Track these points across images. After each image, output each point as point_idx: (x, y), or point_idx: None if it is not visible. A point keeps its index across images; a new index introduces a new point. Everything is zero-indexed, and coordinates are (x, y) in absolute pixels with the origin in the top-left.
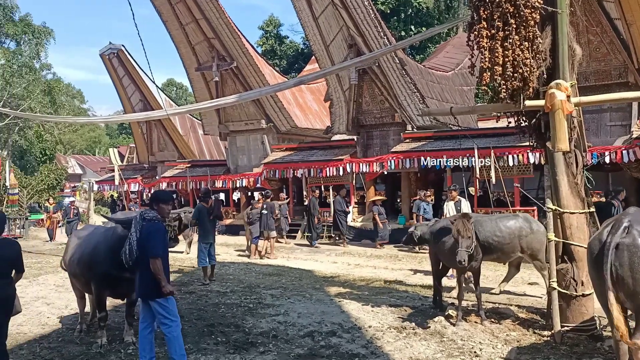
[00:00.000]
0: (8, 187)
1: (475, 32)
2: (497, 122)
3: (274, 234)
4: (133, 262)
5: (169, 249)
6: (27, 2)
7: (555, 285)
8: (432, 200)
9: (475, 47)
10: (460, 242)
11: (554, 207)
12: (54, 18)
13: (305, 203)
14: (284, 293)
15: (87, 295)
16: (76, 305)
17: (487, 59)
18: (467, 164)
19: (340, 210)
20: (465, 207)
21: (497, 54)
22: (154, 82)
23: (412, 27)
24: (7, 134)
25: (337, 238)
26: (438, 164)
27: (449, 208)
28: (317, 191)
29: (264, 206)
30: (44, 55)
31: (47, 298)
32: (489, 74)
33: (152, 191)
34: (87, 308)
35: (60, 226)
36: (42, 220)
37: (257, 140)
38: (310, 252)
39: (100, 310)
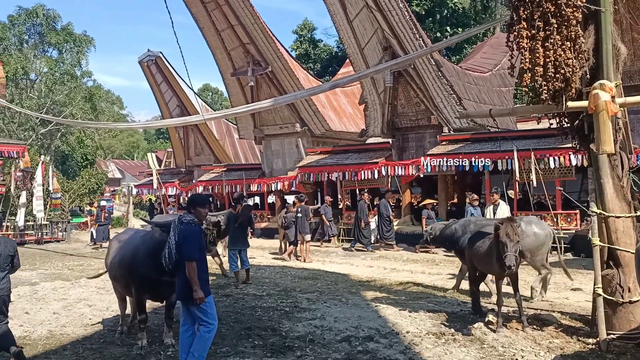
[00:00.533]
0: (51, 192)
1: (515, 33)
2: (538, 123)
3: (308, 237)
4: (172, 265)
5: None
6: (68, 11)
7: (600, 291)
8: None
9: (515, 47)
10: (508, 246)
11: (598, 211)
12: (94, 27)
13: (340, 206)
14: (320, 297)
15: (127, 297)
16: (117, 307)
17: (527, 60)
18: (506, 166)
19: (386, 215)
20: (504, 211)
21: (537, 55)
22: (191, 89)
23: (448, 28)
24: (50, 140)
25: (385, 243)
26: (476, 166)
27: (489, 212)
28: (367, 194)
29: (299, 209)
30: (85, 63)
31: (89, 300)
32: (529, 75)
33: (188, 195)
34: (128, 310)
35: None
36: (84, 223)
37: (292, 143)
38: (346, 255)
39: (140, 312)
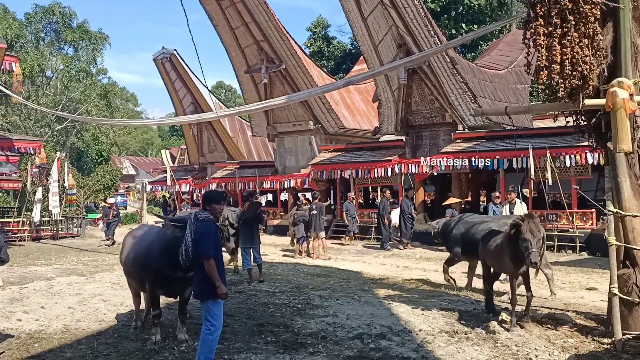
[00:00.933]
0: (67, 188)
1: (532, 30)
2: (554, 121)
3: (323, 234)
4: (189, 262)
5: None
6: (84, 9)
7: (616, 291)
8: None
9: (532, 45)
10: (532, 243)
11: (615, 210)
12: (110, 24)
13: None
14: (332, 294)
15: (142, 293)
16: (131, 302)
17: (544, 57)
18: (521, 164)
19: (408, 213)
20: (520, 209)
21: (554, 52)
22: (205, 86)
23: (463, 25)
24: (66, 137)
25: (402, 241)
26: (491, 164)
27: (505, 210)
28: (388, 191)
29: (314, 207)
30: (100, 60)
31: (103, 295)
32: (546, 72)
33: (202, 192)
34: (142, 305)
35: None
36: (98, 219)
37: (305, 141)
38: (358, 253)
39: (154, 308)
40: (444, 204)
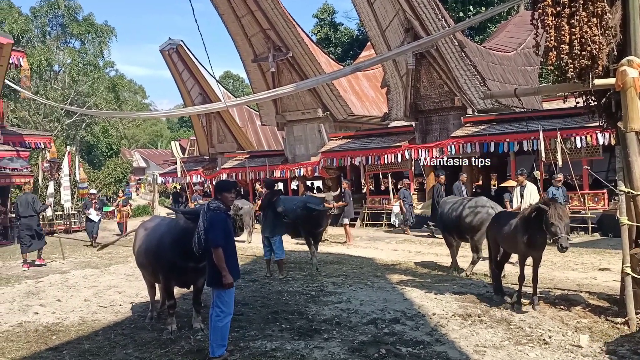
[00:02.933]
0: (78, 181)
1: (540, 10)
2: (564, 102)
3: (346, 220)
4: (202, 251)
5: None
6: (89, 2)
7: (629, 270)
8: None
9: (540, 25)
10: (561, 228)
11: (626, 190)
12: (115, 17)
13: (364, 191)
14: (345, 281)
15: (156, 284)
16: (146, 294)
17: (552, 38)
18: (532, 147)
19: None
20: (531, 192)
21: (563, 32)
22: (213, 76)
23: (471, 7)
24: (75, 131)
25: (433, 228)
26: (501, 147)
27: (516, 193)
28: (443, 176)
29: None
30: (107, 53)
31: (118, 287)
32: (555, 53)
33: (212, 182)
34: (157, 296)
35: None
36: (111, 212)
37: (314, 129)
38: (370, 240)
39: (168, 298)
40: (501, 185)
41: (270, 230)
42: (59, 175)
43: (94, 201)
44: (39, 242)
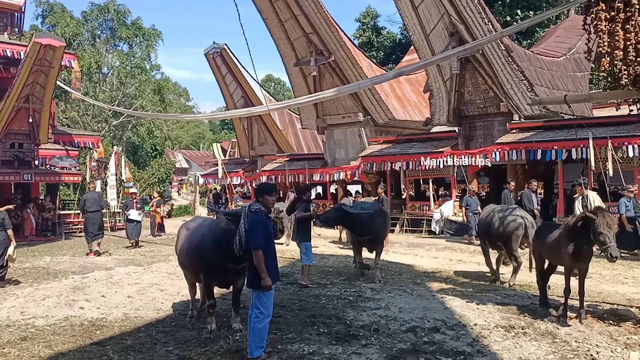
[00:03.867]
0: (124, 181)
1: (593, 15)
2: (617, 110)
3: None
4: (243, 252)
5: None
6: (137, 6)
7: None
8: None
9: (593, 30)
10: (610, 237)
11: None
12: (162, 21)
13: (404, 196)
14: (384, 287)
15: (197, 283)
16: (187, 292)
17: (606, 43)
18: (580, 155)
19: (530, 209)
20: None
21: (617, 38)
22: (256, 80)
23: (519, 11)
24: (122, 131)
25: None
26: (548, 155)
27: (578, 204)
28: (535, 182)
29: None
30: (154, 56)
31: (160, 285)
32: (608, 59)
33: (252, 184)
34: (198, 295)
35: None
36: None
37: (355, 133)
38: (410, 246)
39: (208, 298)
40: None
41: (301, 236)
42: (105, 174)
43: (135, 201)
44: (101, 233)
